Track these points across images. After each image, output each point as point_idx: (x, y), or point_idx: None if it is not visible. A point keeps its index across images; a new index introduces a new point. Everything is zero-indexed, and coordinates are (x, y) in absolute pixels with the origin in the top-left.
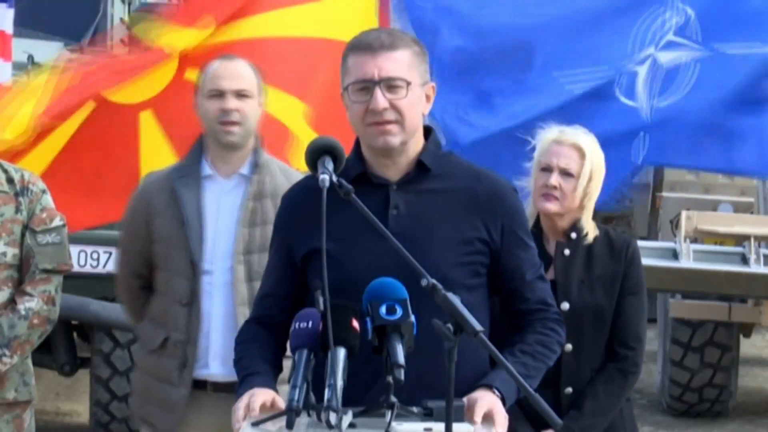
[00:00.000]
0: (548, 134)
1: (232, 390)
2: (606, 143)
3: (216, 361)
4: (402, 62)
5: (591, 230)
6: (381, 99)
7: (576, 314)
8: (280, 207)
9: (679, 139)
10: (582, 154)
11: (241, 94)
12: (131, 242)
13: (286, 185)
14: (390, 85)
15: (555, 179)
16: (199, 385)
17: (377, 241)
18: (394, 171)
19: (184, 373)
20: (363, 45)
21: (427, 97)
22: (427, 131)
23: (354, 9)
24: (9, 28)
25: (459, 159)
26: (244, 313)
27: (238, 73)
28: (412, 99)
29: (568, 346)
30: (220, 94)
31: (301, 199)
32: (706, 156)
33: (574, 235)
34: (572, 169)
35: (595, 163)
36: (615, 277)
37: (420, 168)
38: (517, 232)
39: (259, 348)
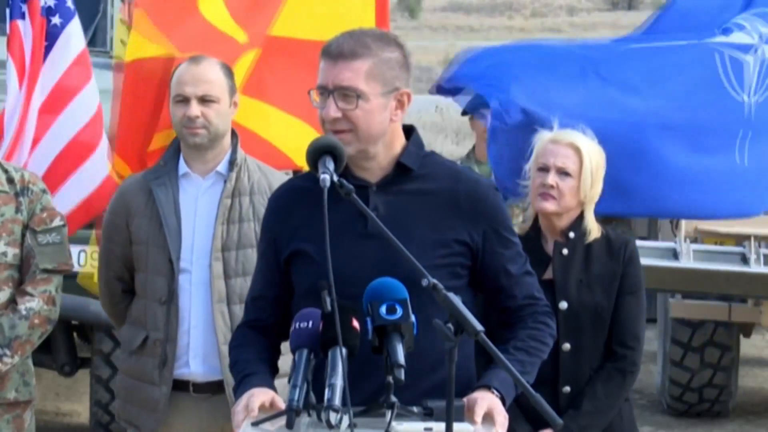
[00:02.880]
0: (545, 134)
1: (212, 391)
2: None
3: (196, 359)
4: (359, 72)
5: (594, 230)
6: (332, 108)
7: (574, 313)
8: (267, 208)
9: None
10: (579, 153)
11: (205, 100)
12: (112, 245)
13: (265, 182)
14: (343, 94)
15: (552, 179)
16: (181, 386)
17: (356, 242)
18: (372, 173)
19: (164, 372)
20: (327, 51)
21: (400, 104)
22: (409, 131)
23: (348, 7)
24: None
25: (441, 159)
26: (222, 311)
27: (203, 77)
28: (366, 109)
29: (567, 346)
30: (184, 100)
31: (286, 200)
32: None
33: (572, 234)
34: (569, 169)
35: (594, 162)
36: (613, 277)
37: (400, 169)
38: (500, 231)
39: (254, 350)
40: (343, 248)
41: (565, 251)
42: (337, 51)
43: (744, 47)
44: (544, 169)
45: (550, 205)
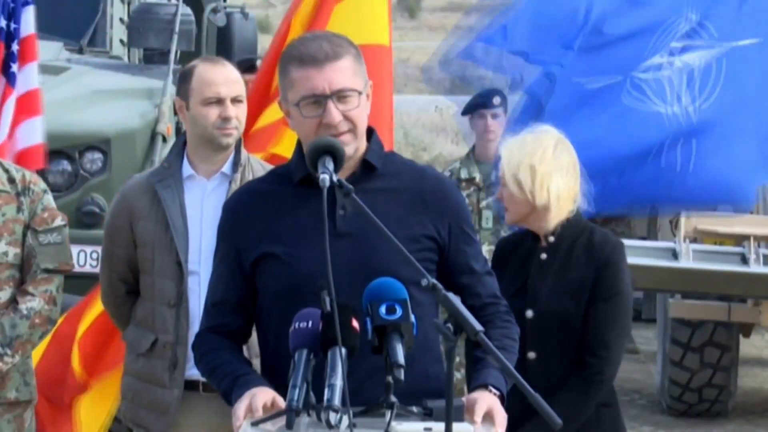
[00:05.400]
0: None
1: None
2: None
3: None
4: (347, 71)
5: (559, 223)
6: (335, 113)
7: (541, 321)
8: (224, 214)
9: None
10: (522, 185)
11: (236, 100)
12: (115, 247)
13: None
14: (341, 96)
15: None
16: (190, 385)
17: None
18: (342, 172)
19: (175, 375)
20: (307, 58)
21: (368, 96)
22: (369, 131)
23: (369, 8)
24: (33, 28)
25: (402, 158)
26: None
27: (233, 78)
28: (361, 107)
29: (532, 354)
30: (219, 101)
31: (245, 205)
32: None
33: (552, 239)
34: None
35: (517, 167)
36: (584, 284)
37: (365, 167)
38: (463, 228)
39: (230, 354)
40: (314, 249)
41: (543, 256)
42: (322, 55)
43: (655, 67)
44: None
45: (507, 217)
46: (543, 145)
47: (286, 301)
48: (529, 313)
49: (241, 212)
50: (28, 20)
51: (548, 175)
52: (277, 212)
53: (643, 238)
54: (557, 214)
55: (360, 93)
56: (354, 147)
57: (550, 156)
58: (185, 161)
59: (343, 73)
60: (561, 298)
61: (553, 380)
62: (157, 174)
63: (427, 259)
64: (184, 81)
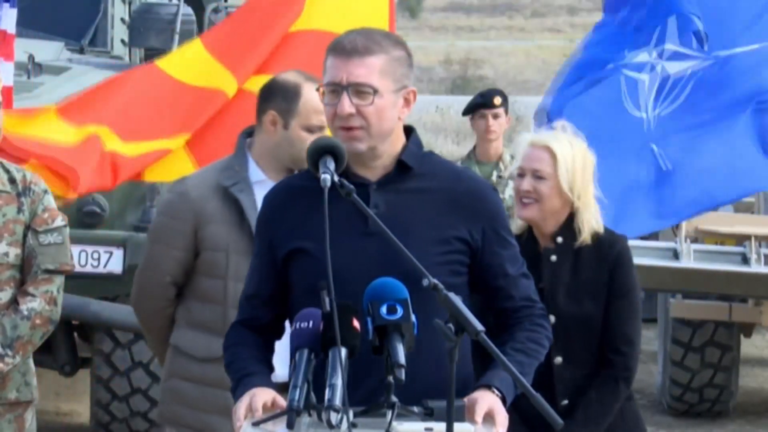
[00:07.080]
0: (525, 137)
1: (287, 389)
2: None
3: (278, 363)
4: (373, 68)
5: (585, 234)
6: (347, 104)
7: (563, 325)
8: (261, 207)
9: (679, 142)
10: (553, 154)
11: None
12: (173, 250)
13: None
14: (357, 90)
15: (527, 184)
16: None
17: (357, 241)
18: (373, 171)
19: None
20: (339, 48)
21: (407, 102)
22: (408, 130)
23: (364, 4)
24: (12, 27)
25: (440, 158)
26: None
27: None
28: (380, 106)
29: (558, 359)
30: (320, 129)
31: (281, 199)
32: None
33: (560, 239)
34: (544, 172)
35: (572, 162)
36: (601, 283)
37: (400, 167)
38: (498, 231)
39: (250, 350)
40: (343, 246)
41: (553, 258)
42: (351, 47)
43: (640, 66)
44: (521, 174)
45: (528, 212)
46: (584, 146)
47: (317, 297)
48: (552, 319)
49: (277, 206)
50: (10, 19)
51: (592, 176)
52: (310, 208)
53: (644, 238)
54: (587, 218)
55: (376, 91)
56: (367, 144)
57: (591, 157)
58: (253, 165)
59: (368, 68)
60: (580, 300)
61: (580, 382)
62: (227, 177)
63: (456, 261)
64: (286, 98)
